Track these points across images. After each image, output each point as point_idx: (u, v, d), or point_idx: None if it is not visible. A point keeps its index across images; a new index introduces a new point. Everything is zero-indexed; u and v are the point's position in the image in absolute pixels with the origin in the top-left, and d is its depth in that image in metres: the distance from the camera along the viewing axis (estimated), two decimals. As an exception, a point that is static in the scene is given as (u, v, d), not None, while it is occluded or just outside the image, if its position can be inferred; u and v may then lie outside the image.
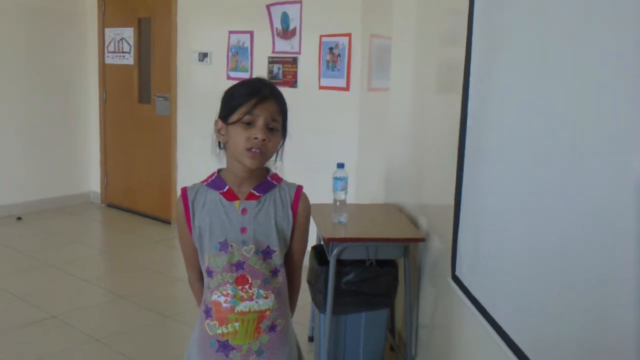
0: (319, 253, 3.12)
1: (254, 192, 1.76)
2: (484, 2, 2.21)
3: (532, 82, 1.74)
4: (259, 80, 1.77)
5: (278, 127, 1.71)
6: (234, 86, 1.76)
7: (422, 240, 2.98)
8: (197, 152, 5.52)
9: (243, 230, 1.74)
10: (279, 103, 1.72)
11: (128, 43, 6.22)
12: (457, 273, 2.39)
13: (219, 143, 1.78)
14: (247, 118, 1.67)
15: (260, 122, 1.67)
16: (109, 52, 6.42)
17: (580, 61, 1.45)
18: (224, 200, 1.76)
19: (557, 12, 1.60)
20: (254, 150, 1.67)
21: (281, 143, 1.77)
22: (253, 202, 1.76)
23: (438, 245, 2.89)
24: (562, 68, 1.55)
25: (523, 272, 1.78)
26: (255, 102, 1.67)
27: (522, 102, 1.81)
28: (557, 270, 1.55)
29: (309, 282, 3.12)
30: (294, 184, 1.83)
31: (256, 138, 1.66)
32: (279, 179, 1.82)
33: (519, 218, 1.81)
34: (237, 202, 1.75)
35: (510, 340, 1.82)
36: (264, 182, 1.78)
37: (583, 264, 1.41)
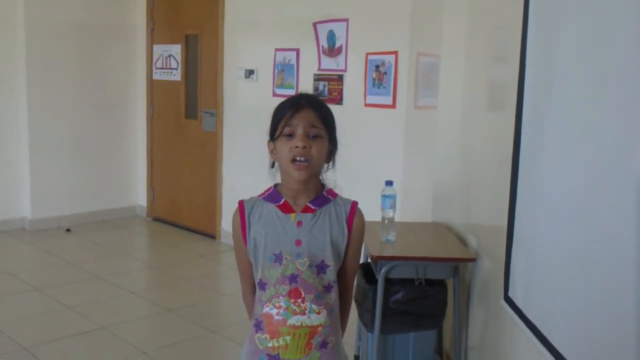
0: (367, 271, 3.10)
1: (310, 205, 1.78)
2: (538, 18, 2.19)
3: (591, 100, 1.71)
4: (298, 94, 1.82)
5: (320, 133, 1.73)
6: (277, 105, 1.80)
7: (473, 260, 2.94)
8: (243, 168, 5.58)
9: (298, 242, 1.75)
10: (316, 110, 1.75)
11: (175, 59, 6.33)
12: (510, 294, 2.35)
13: (273, 163, 1.83)
14: (287, 130, 1.72)
15: (299, 131, 1.71)
16: (156, 68, 6.54)
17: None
18: (279, 213, 1.77)
19: (615, 30, 1.57)
20: (297, 159, 1.70)
21: (329, 151, 1.79)
22: (309, 215, 1.77)
23: (488, 266, 2.85)
24: (623, 87, 1.52)
25: (581, 293, 1.74)
26: (292, 113, 1.72)
27: (580, 121, 1.78)
28: (619, 291, 1.51)
29: (356, 300, 3.10)
30: (349, 200, 1.84)
31: (297, 147, 1.69)
32: (334, 194, 1.83)
33: (576, 239, 1.77)
34: (292, 215, 1.77)
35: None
36: (320, 196, 1.80)
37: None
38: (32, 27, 5.87)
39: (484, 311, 2.92)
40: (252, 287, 1.88)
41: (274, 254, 1.75)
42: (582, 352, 1.73)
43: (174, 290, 4.68)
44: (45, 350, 3.57)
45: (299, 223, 1.76)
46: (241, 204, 1.82)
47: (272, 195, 1.81)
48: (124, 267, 5.16)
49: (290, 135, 1.71)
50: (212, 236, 6.04)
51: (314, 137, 1.72)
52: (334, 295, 1.81)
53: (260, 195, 1.83)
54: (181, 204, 6.41)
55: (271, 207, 1.78)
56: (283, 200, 1.78)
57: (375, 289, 2.89)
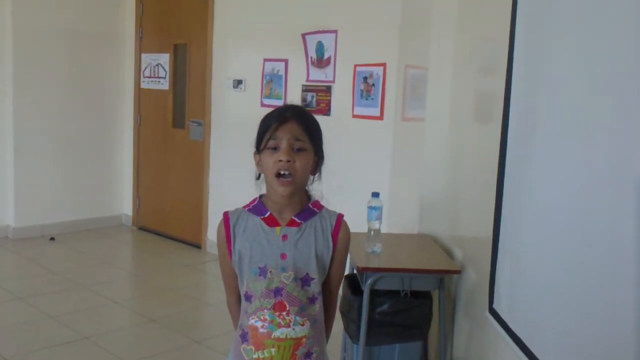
0: (353, 282, 3.09)
1: (295, 219, 1.77)
2: (525, 31, 2.21)
3: (576, 113, 1.72)
4: (284, 106, 1.81)
5: (304, 146, 1.72)
6: (263, 116, 1.79)
7: (458, 272, 2.94)
8: (229, 178, 5.57)
9: (283, 256, 1.74)
10: (301, 123, 1.73)
11: (164, 68, 6.32)
12: (495, 306, 2.35)
13: (259, 175, 1.82)
14: (271, 143, 1.71)
15: (283, 144, 1.70)
16: (144, 77, 6.52)
17: (632, 93, 1.43)
18: (264, 226, 1.76)
19: (604, 38, 1.58)
20: (282, 173, 1.69)
21: (315, 162, 1.78)
22: (294, 229, 1.76)
23: (474, 278, 2.85)
24: (610, 99, 1.53)
25: (566, 306, 1.74)
26: (277, 126, 1.71)
27: (566, 133, 1.79)
28: (603, 303, 1.51)
29: (341, 311, 3.09)
30: (334, 212, 1.84)
31: (281, 161, 1.68)
32: (320, 206, 1.82)
33: (562, 251, 1.77)
34: (278, 228, 1.76)
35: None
36: (306, 208, 1.79)
37: (631, 299, 1.38)
38: (20, 33, 5.84)
39: (469, 323, 2.92)
40: (237, 297, 1.86)
41: (259, 267, 1.74)
42: (566, 364, 1.73)
43: (159, 300, 4.64)
44: None
45: (284, 237, 1.75)
46: (226, 215, 1.81)
47: (257, 208, 1.79)
48: (109, 277, 5.12)
49: (275, 149, 1.70)
50: (197, 246, 6.01)
51: (299, 150, 1.71)
52: (317, 306, 1.80)
53: (245, 207, 1.82)
54: (167, 213, 6.38)
55: (256, 220, 1.77)
56: (268, 213, 1.77)
57: (361, 300, 2.88)
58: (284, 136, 1.70)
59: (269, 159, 1.71)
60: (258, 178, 1.83)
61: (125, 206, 6.80)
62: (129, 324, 4.22)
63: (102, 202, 6.63)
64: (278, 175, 1.70)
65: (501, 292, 2.31)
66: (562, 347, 1.76)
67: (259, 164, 1.78)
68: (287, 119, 1.72)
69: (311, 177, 1.81)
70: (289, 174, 1.70)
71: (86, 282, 4.86)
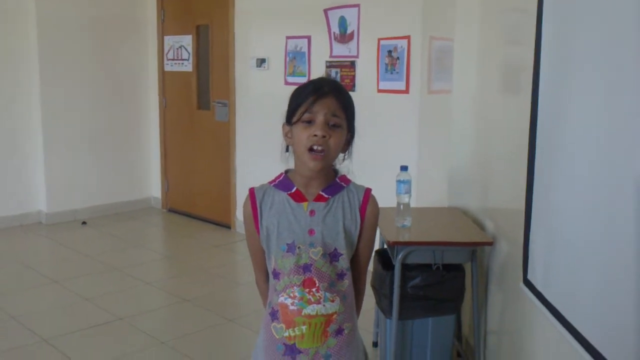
0: (383, 257, 3.09)
1: (323, 193, 1.74)
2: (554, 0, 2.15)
3: (609, 80, 1.68)
4: (320, 79, 1.76)
5: (340, 122, 1.68)
6: (297, 87, 1.75)
7: (490, 243, 2.91)
8: (256, 157, 5.58)
9: (311, 232, 1.72)
10: (339, 98, 1.69)
11: (187, 50, 6.32)
12: (529, 277, 2.32)
13: (287, 147, 1.78)
14: (306, 116, 1.67)
15: (319, 118, 1.66)
16: (168, 60, 6.54)
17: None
18: (291, 202, 1.74)
19: (637, 8, 1.53)
20: (315, 148, 1.65)
21: (347, 141, 1.75)
22: (321, 204, 1.73)
23: (506, 249, 2.82)
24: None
25: (602, 275, 1.71)
26: (314, 99, 1.66)
27: (599, 100, 1.74)
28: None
29: (373, 286, 3.09)
30: (362, 186, 1.81)
31: (316, 135, 1.65)
32: (347, 181, 1.79)
33: (596, 219, 1.74)
34: (305, 204, 1.73)
35: (588, 344, 1.76)
36: (333, 183, 1.76)
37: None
38: (44, 21, 5.89)
39: (502, 295, 2.89)
40: (265, 274, 1.85)
41: (287, 244, 1.72)
42: (603, 331, 1.71)
43: (191, 280, 4.69)
44: (65, 341, 3.60)
45: (312, 212, 1.73)
46: (252, 191, 1.78)
47: (284, 183, 1.77)
48: (140, 259, 5.18)
49: (310, 122, 1.66)
50: (227, 226, 6.05)
51: (334, 126, 1.67)
52: (347, 282, 1.78)
53: (270, 183, 1.79)
54: (195, 194, 6.42)
55: (282, 196, 1.75)
56: (295, 188, 1.74)
57: (393, 275, 2.87)
58: (320, 110, 1.66)
59: (303, 132, 1.67)
60: (287, 150, 1.79)
61: (154, 189, 6.87)
62: (163, 304, 4.27)
63: (131, 186, 6.70)
64: (310, 149, 1.66)
65: (535, 263, 2.28)
66: (600, 316, 1.73)
67: (287, 135, 1.74)
68: (325, 94, 1.67)
69: (341, 155, 1.77)
70: (322, 149, 1.67)
71: (119, 264, 4.93)
